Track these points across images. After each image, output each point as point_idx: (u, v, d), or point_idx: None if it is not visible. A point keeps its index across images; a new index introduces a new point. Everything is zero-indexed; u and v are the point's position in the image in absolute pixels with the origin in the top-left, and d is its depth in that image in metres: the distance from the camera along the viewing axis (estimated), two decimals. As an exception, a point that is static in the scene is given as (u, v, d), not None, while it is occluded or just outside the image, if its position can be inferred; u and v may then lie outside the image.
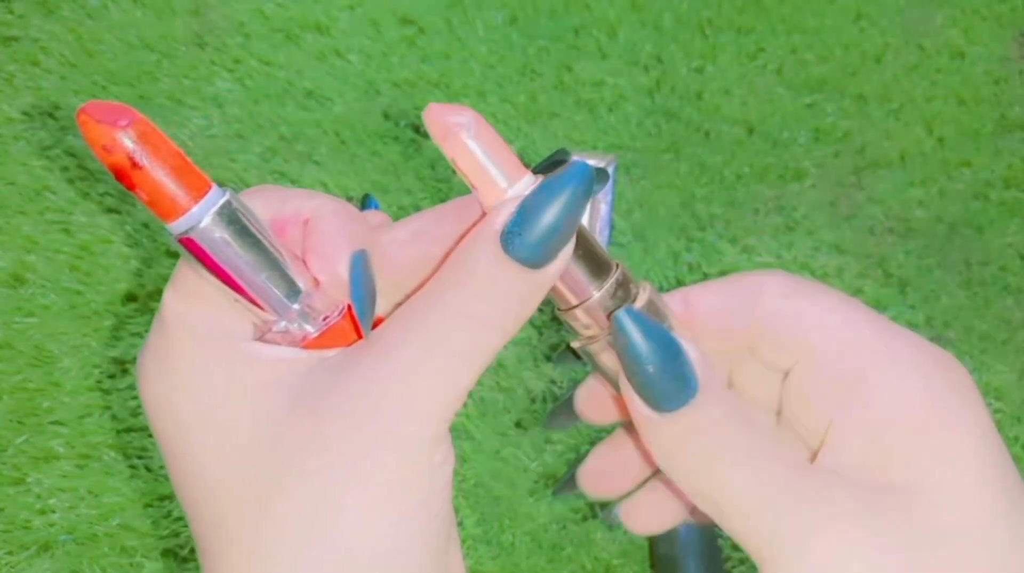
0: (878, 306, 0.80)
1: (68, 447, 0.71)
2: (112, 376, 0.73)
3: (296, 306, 0.24)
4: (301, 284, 0.24)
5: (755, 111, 0.83)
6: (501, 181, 0.23)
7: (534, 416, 0.76)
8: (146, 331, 0.74)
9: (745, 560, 0.75)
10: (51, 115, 0.79)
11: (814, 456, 0.24)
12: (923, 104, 0.84)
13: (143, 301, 0.75)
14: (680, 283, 0.79)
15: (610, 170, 0.79)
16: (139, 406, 0.74)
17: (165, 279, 0.76)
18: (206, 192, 0.22)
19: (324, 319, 0.24)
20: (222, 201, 0.22)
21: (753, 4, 0.86)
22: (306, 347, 0.24)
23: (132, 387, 0.74)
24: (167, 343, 0.24)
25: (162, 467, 0.72)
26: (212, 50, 0.81)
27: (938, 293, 0.80)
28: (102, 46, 0.80)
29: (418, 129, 0.82)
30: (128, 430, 0.72)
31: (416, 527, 0.23)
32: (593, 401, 0.30)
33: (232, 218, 0.22)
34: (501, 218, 0.23)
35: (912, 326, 0.81)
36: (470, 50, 0.83)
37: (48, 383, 0.72)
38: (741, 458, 0.23)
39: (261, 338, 0.24)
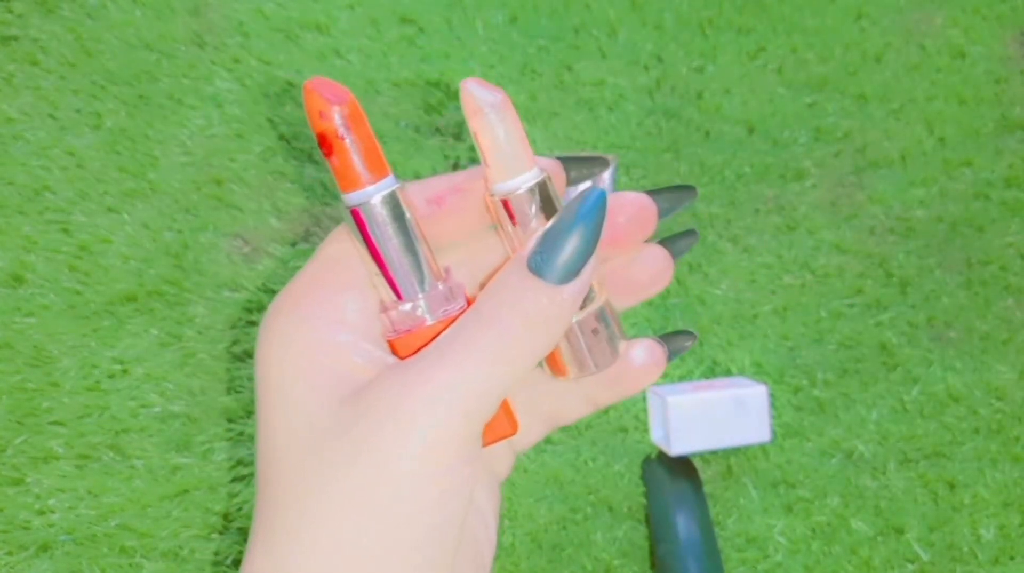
0: (878, 306, 0.80)
1: (67, 447, 0.71)
2: (112, 376, 0.73)
3: (423, 294, 0.27)
4: (433, 276, 0.27)
5: (755, 111, 0.83)
6: (511, 166, 0.27)
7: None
8: (146, 331, 0.74)
9: (746, 561, 0.75)
10: (51, 115, 0.79)
11: None
12: (924, 104, 0.84)
13: (143, 301, 0.75)
14: (680, 283, 0.79)
15: (609, 171, 0.79)
16: (138, 406, 0.74)
17: (165, 279, 0.76)
18: (384, 178, 0.26)
19: (443, 311, 0.27)
20: (392, 188, 0.26)
21: (753, 4, 0.85)
22: (416, 335, 0.27)
23: (131, 387, 0.73)
24: (287, 316, 0.27)
25: (162, 467, 0.72)
26: (212, 50, 0.81)
27: (939, 293, 0.80)
28: (101, 46, 0.80)
29: (418, 129, 0.82)
30: (127, 430, 0.72)
31: (413, 547, 0.25)
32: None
33: (395, 205, 0.26)
34: (529, 246, 0.26)
35: (913, 326, 0.81)
36: (470, 50, 0.83)
37: (47, 383, 0.72)
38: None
39: (384, 314, 0.27)
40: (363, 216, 0.26)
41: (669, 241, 0.31)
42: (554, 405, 0.30)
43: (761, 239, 0.80)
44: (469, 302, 0.28)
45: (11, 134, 0.78)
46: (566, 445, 0.75)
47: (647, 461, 0.76)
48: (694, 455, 0.76)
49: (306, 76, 0.81)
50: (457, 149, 0.81)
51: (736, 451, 0.76)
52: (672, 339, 0.31)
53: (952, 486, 0.76)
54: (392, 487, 0.25)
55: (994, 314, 0.79)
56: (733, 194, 0.81)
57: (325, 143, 0.26)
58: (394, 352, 0.27)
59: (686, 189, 0.31)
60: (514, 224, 0.27)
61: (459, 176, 0.29)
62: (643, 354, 0.29)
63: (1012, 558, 0.75)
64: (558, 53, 0.83)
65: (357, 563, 0.25)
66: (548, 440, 0.75)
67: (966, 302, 0.79)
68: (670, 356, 0.30)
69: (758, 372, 0.78)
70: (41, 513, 0.69)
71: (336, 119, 0.26)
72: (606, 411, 0.77)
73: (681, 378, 0.78)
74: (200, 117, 0.79)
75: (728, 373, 0.78)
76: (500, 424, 0.28)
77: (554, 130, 0.82)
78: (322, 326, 0.27)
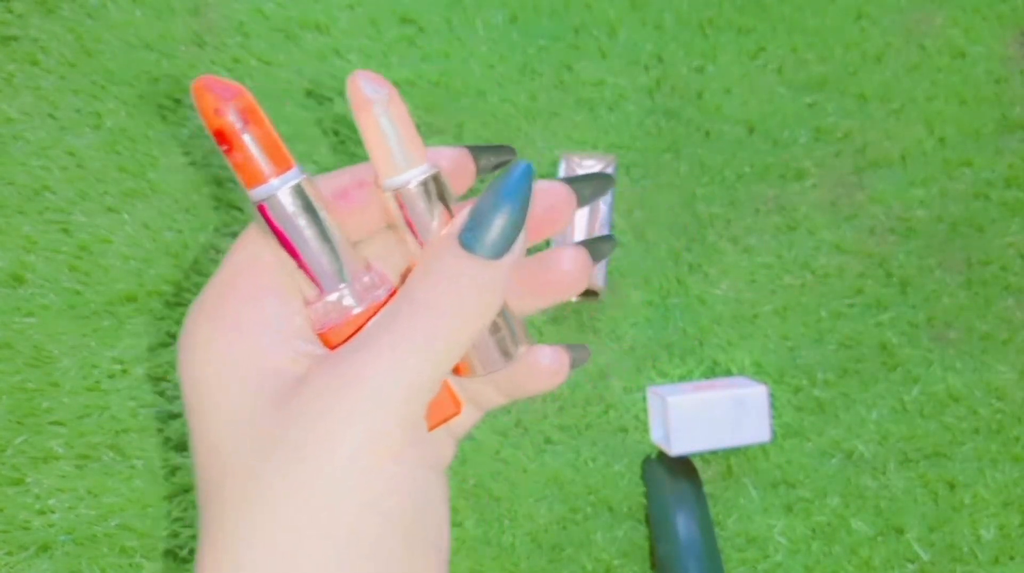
0: (879, 306, 0.80)
1: (67, 447, 0.71)
2: (111, 376, 0.73)
3: (345, 283, 0.26)
4: (354, 265, 0.27)
5: (756, 111, 0.83)
6: (400, 161, 0.26)
7: (534, 416, 0.76)
8: (146, 331, 0.74)
9: (746, 561, 0.75)
10: (51, 115, 0.78)
11: None
12: (924, 104, 0.84)
13: (143, 301, 0.75)
14: (680, 283, 0.79)
15: (610, 170, 0.79)
16: (138, 406, 0.74)
17: (165, 279, 0.76)
18: (288, 170, 0.26)
19: (371, 298, 0.27)
20: (298, 180, 0.26)
21: (754, 4, 0.85)
22: (347, 324, 0.27)
23: (131, 387, 0.73)
24: (204, 321, 0.27)
25: (162, 467, 0.72)
26: (211, 50, 0.81)
27: (939, 293, 0.80)
28: (101, 46, 0.80)
29: (418, 129, 0.82)
30: (127, 430, 0.72)
31: (369, 532, 0.25)
32: None
33: (303, 197, 0.26)
34: (459, 222, 0.26)
35: (913, 326, 0.81)
36: (470, 49, 0.83)
37: (47, 383, 0.72)
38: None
39: (308, 309, 0.27)
40: (271, 211, 0.26)
41: (589, 243, 0.31)
42: (474, 391, 0.30)
43: (761, 239, 0.80)
44: (394, 290, 0.27)
45: (11, 134, 0.78)
46: (566, 445, 0.75)
47: (647, 461, 0.76)
48: (694, 455, 0.76)
49: (307, 76, 0.81)
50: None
51: (736, 451, 0.76)
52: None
53: (952, 486, 0.76)
54: (338, 483, 0.24)
55: (994, 314, 0.79)
56: (733, 194, 0.81)
57: (223, 140, 0.25)
58: (327, 345, 0.27)
59: (603, 178, 0.32)
60: (408, 221, 0.27)
61: (362, 169, 0.28)
62: (550, 357, 0.29)
63: (1012, 558, 0.75)
64: (558, 53, 0.83)
65: (310, 555, 0.24)
66: (548, 440, 0.75)
67: (966, 302, 0.79)
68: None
69: (758, 372, 0.78)
70: (41, 513, 0.69)
71: (231, 114, 0.25)
72: (606, 411, 0.77)
73: (681, 378, 0.78)
74: (199, 117, 0.79)
75: (728, 373, 0.78)
76: (443, 405, 0.28)
77: (554, 130, 0.82)
78: (243, 330, 0.26)
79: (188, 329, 0.27)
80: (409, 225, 0.27)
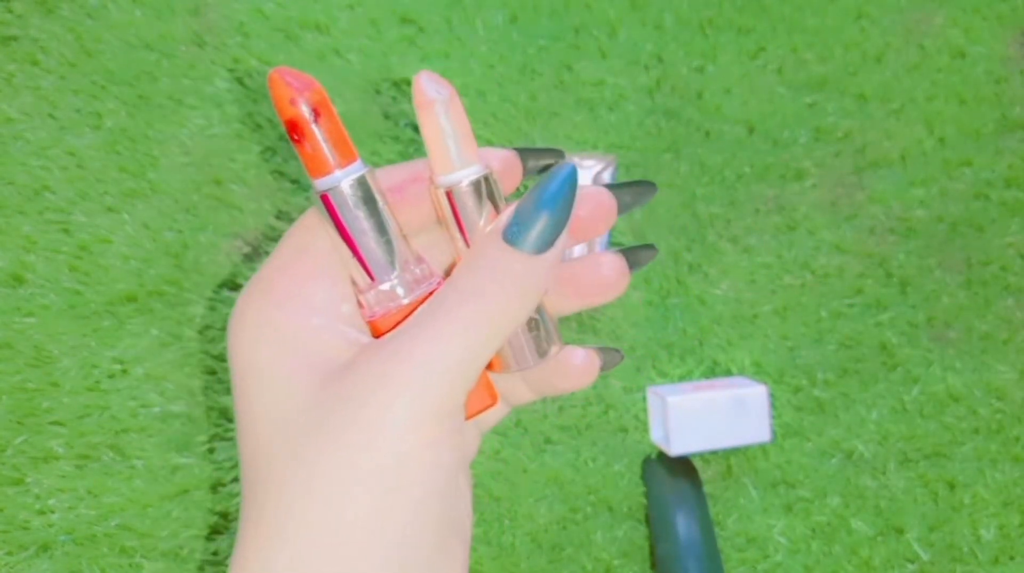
0: (878, 306, 0.80)
1: (67, 447, 0.71)
2: (111, 376, 0.73)
3: (396, 274, 0.27)
4: (406, 256, 0.28)
5: (755, 111, 0.83)
6: (455, 160, 0.27)
7: (534, 416, 0.76)
8: (146, 331, 0.74)
9: (746, 561, 0.75)
10: (51, 115, 0.79)
11: None
12: (924, 104, 0.84)
13: (143, 301, 0.75)
14: (680, 283, 0.79)
15: (610, 170, 0.79)
16: (138, 406, 0.74)
17: (165, 279, 0.76)
18: (352, 163, 0.27)
19: (420, 289, 0.28)
20: (362, 173, 0.27)
21: (754, 4, 0.85)
22: (395, 314, 0.28)
23: (131, 387, 0.73)
24: (260, 302, 0.27)
25: (162, 467, 0.72)
26: (212, 50, 0.81)
27: (939, 293, 0.80)
28: (102, 46, 0.80)
29: (418, 129, 0.82)
30: (127, 430, 0.72)
31: (400, 519, 0.25)
32: None
33: (365, 189, 0.27)
34: (504, 219, 0.27)
35: (913, 325, 0.81)
36: (470, 49, 0.83)
37: (47, 383, 0.72)
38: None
39: (360, 297, 0.28)
40: (333, 201, 0.27)
41: (628, 251, 0.32)
42: (505, 387, 0.31)
43: (761, 239, 0.80)
44: (441, 283, 0.28)
45: (11, 134, 0.78)
46: (566, 445, 0.75)
47: (647, 461, 0.76)
48: (694, 455, 0.76)
49: (306, 76, 0.81)
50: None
51: (736, 451, 0.76)
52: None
53: (952, 486, 0.76)
54: (381, 462, 0.25)
55: (994, 314, 0.79)
56: (733, 194, 0.81)
57: (296, 130, 0.26)
58: (374, 333, 0.28)
59: (646, 185, 0.32)
60: (457, 217, 0.28)
61: (419, 165, 0.29)
62: (582, 357, 0.30)
63: (1012, 558, 0.75)
64: (558, 53, 0.83)
65: (349, 537, 0.25)
66: (548, 440, 0.75)
67: (966, 302, 0.79)
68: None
69: (758, 372, 0.78)
70: (41, 513, 0.69)
71: (304, 106, 0.26)
72: (606, 411, 0.77)
73: (681, 378, 0.78)
74: (200, 117, 0.79)
75: (728, 373, 0.78)
76: (480, 396, 0.29)
77: (554, 130, 0.82)
78: (295, 311, 0.27)
79: (240, 309, 0.28)
80: (458, 222, 0.28)
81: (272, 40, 0.82)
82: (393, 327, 0.27)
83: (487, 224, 0.28)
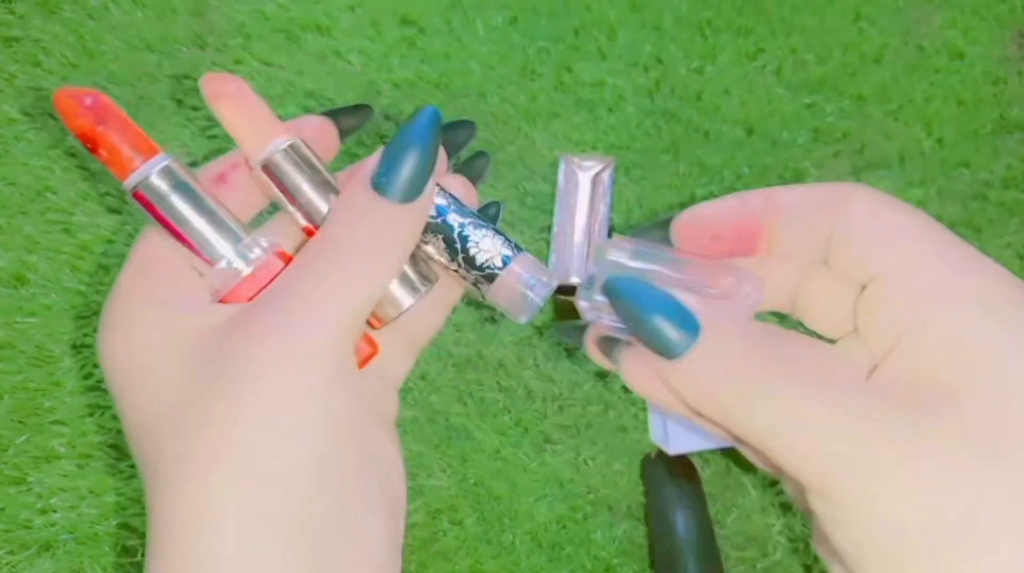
0: (877, 306, 0.80)
1: (69, 447, 0.71)
2: (113, 376, 0.73)
3: (230, 249, 0.28)
4: (235, 231, 0.28)
5: (755, 111, 0.83)
6: (261, 140, 0.28)
7: (534, 416, 0.77)
8: (147, 331, 0.74)
9: (745, 560, 0.75)
10: (52, 115, 0.79)
11: (872, 371, 0.24)
12: (922, 104, 0.84)
13: (144, 301, 0.75)
14: (680, 283, 0.79)
15: (609, 171, 0.79)
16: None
17: (166, 279, 0.76)
18: (153, 155, 0.27)
19: (257, 258, 0.28)
20: (166, 162, 0.27)
21: (752, 5, 0.86)
22: (241, 287, 0.27)
23: (133, 387, 0.74)
24: (120, 308, 0.27)
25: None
26: (213, 51, 0.82)
27: (937, 293, 0.80)
28: (103, 47, 0.81)
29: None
30: (129, 430, 0.73)
31: (309, 453, 0.24)
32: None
33: (173, 177, 0.27)
34: (370, 166, 0.27)
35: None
36: (470, 51, 0.83)
37: (49, 383, 0.72)
38: (766, 384, 0.23)
39: (204, 280, 0.27)
40: (146, 195, 0.27)
41: (464, 167, 0.32)
42: (412, 326, 0.30)
43: (760, 239, 0.80)
44: (279, 247, 0.28)
45: (13, 135, 0.78)
46: (566, 445, 0.76)
47: (647, 460, 0.77)
48: (693, 454, 0.76)
49: (308, 77, 0.81)
50: (457, 150, 0.81)
51: (736, 451, 0.76)
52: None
53: (950, 485, 0.77)
54: (268, 439, 0.24)
55: (992, 314, 0.80)
56: (732, 194, 0.81)
57: (88, 139, 0.27)
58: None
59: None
60: (281, 190, 0.28)
61: (236, 153, 0.29)
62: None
63: (1010, 557, 0.76)
64: (558, 54, 0.84)
65: (251, 536, 0.24)
66: (548, 439, 0.76)
67: (964, 302, 0.80)
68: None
69: (757, 372, 0.78)
70: (43, 512, 0.69)
71: (89, 115, 0.26)
72: (606, 410, 0.77)
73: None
74: (201, 118, 0.79)
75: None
76: (360, 349, 0.29)
77: (554, 131, 0.82)
78: (160, 303, 0.27)
79: (104, 321, 0.27)
80: (285, 193, 0.28)
81: (273, 41, 0.82)
82: (243, 300, 0.27)
83: (313, 188, 0.28)
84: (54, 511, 0.69)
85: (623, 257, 0.27)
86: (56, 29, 0.81)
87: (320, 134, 0.30)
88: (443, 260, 0.29)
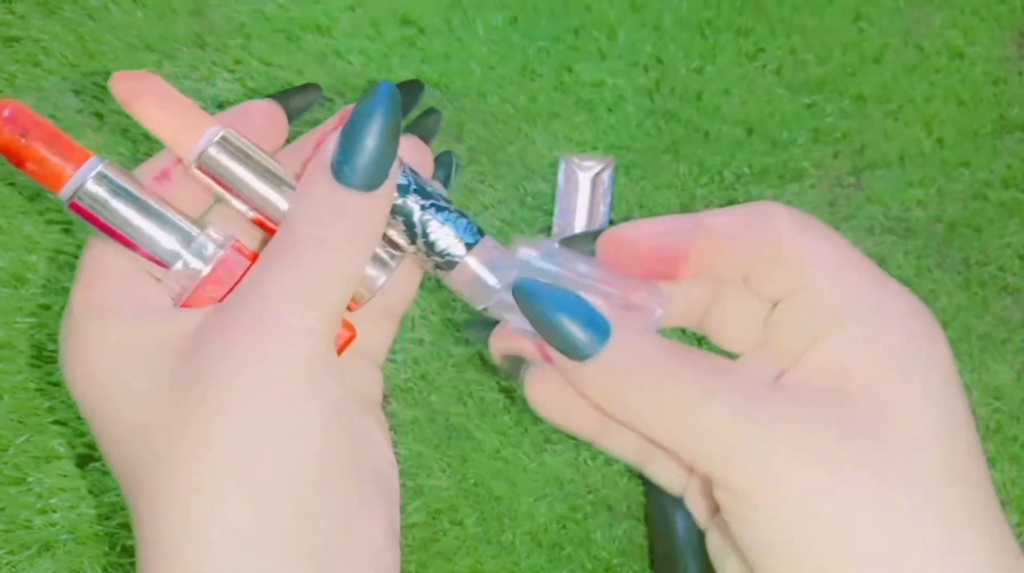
0: (877, 306, 0.80)
1: (69, 447, 0.71)
2: (113, 376, 0.73)
3: (184, 249, 0.26)
4: (186, 229, 0.26)
5: (754, 111, 0.83)
6: (190, 136, 0.26)
7: (534, 416, 0.77)
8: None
9: (745, 559, 0.75)
10: (52, 115, 0.79)
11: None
12: (922, 104, 0.84)
13: (144, 301, 0.75)
14: (680, 283, 0.79)
15: (609, 171, 0.79)
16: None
17: (166, 279, 0.76)
18: (85, 161, 0.25)
19: (216, 255, 0.26)
20: (99, 167, 0.25)
21: (752, 5, 0.86)
22: (203, 287, 0.26)
23: (133, 387, 0.74)
24: (76, 327, 0.26)
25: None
26: (213, 51, 0.82)
27: (937, 293, 0.80)
28: (103, 47, 0.81)
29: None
30: (129, 430, 0.73)
31: (300, 454, 0.24)
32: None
33: (111, 180, 0.25)
34: (329, 152, 0.25)
35: (911, 326, 0.81)
36: (470, 51, 0.83)
37: (49, 383, 0.72)
38: (675, 384, 0.23)
39: (162, 285, 0.26)
40: (84, 205, 0.25)
41: (415, 127, 0.30)
42: (387, 299, 0.30)
43: (760, 239, 0.80)
44: (237, 241, 0.27)
45: (13, 135, 0.78)
46: (566, 444, 0.76)
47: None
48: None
49: (307, 77, 0.81)
50: (458, 149, 0.82)
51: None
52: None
53: (950, 485, 0.77)
54: (251, 441, 0.23)
55: (992, 314, 0.80)
56: (732, 195, 0.81)
57: (12, 155, 0.25)
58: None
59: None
60: (223, 185, 0.26)
61: (169, 153, 0.28)
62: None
63: (1010, 557, 0.76)
64: (558, 54, 0.84)
65: (249, 513, 0.23)
66: (548, 439, 0.76)
67: (964, 302, 0.80)
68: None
69: (757, 372, 0.78)
70: (43, 512, 0.69)
71: (8, 128, 0.24)
72: (606, 411, 0.77)
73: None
74: None
75: (727, 373, 0.78)
76: (339, 335, 0.28)
77: (554, 131, 0.82)
78: (120, 312, 0.25)
79: (63, 344, 0.26)
80: (227, 189, 0.26)
81: (273, 41, 0.82)
82: (208, 301, 0.26)
83: (256, 178, 0.26)
84: (54, 511, 0.69)
85: (533, 256, 0.27)
86: (56, 29, 0.81)
87: (268, 118, 0.29)
88: (403, 242, 0.27)
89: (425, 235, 0.27)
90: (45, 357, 0.73)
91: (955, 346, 0.79)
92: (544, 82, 0.83)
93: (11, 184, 0.77)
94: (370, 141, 0.25)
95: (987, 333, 0.79)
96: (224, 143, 0.26)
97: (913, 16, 0.87)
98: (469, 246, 0.27)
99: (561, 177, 0.79)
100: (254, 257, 0.27)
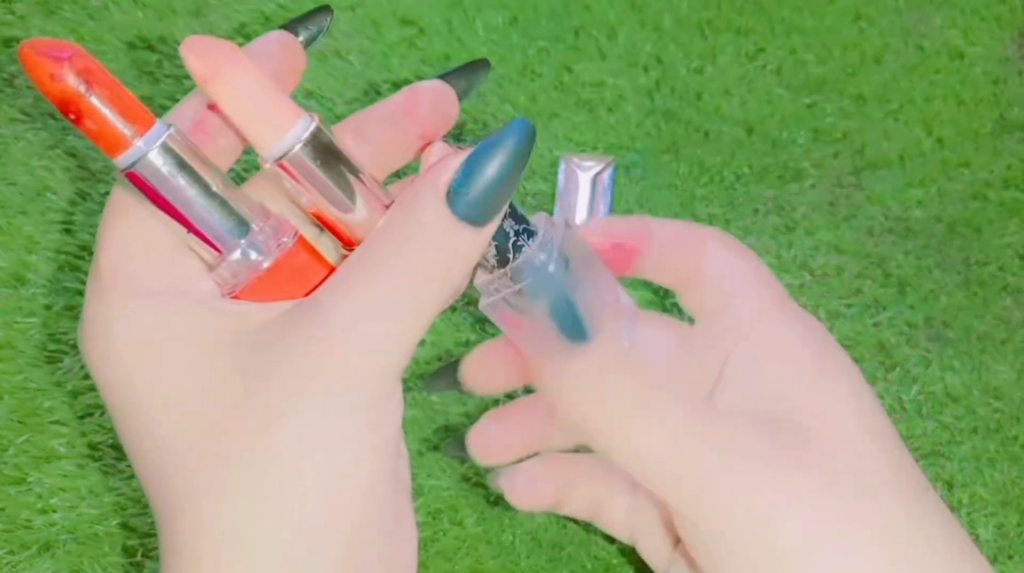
0: (877, 306, 0.80)
1: (69, 447, 0.71)
2: (113, 376, 0.73)
3: (245, 237, 0.23)
4: (249, 214, 0.23)
5: (754, 111, 0.83)
6: (275, 123, 0.22)
7: (534, 416, 0.77)
8: (147, 331, 0.74)
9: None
10: (52, 115, 0.79)
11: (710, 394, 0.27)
12: (922, 104, 0.84)
13: (144, 301, 0.75)
14: (680, 283, 0.79)
15: (608, 171, 0.79)
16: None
17: (166, 279, 0.76)
18: (150, 127, 0.22)
19: (277, 247, 0.23)
20: (164, 136, 0.22)
21: (752, 5, 0.86)
22: (260, 280, 0.23)
23: (133, 387, 0.74)
24: (106, 304, 0.23)
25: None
26: (213, 51, 0.82)
27: (937, 293, 0.80)
28: (103, 47, 0.81)
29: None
30: (129, 430, 0.72)
31: (364, 480, 0.23)
32: (479, 369, 0.31)
33: (174, 153, 0.22)
34: (446, 176, 0.23)
35: (911, 326, 0.81)
36: (470, 51, 0.83)
37: (49, 383, 0.72)
38: (637, 398, 0.24)
39: (214, 273, 0.24)
40: (145, 175, 0.22)
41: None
42: None
43: (760, 239, 0.80)
44: (300, 235, 0.24)
45: (13, 135, 0.78)
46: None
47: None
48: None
49: (308, 77, 0.81)
50: (457, 150, 0.81)
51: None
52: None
53: (950, 485, 0.76)
54: (324, 452, 0.22)
55: (992, 314, 0.80)
56: (732, 194, 0.81)
57: (70, 108, 0.22)
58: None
59: (477, 63, 0.30)
60: (305, 188, 0.24)
61: (199, 96, 0.25)
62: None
63: (1011, 557, 0.75)
64: (558, 54, 0.84)
65: (299, 540, 0.22)
66: (548, 439, 0.76)
67: (964, 302, 0.80)
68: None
69: (757, 372, 0.78)
70: (43, 512, 0.69)
71: (71, 77, 0.21)
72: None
73: (680, 378, 0.79)
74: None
75: (727, 373, 0.78)
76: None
77: (554, 131, 0.82)
78: (153, 299, 0.23)
79: (88, 321, 0.24)
80: (308, 191, 0.24)
81: (273, 41, 0.82)
82: (263, 296, 0.23)
83: (338, 182, 0.23)
84: (54, 511, 0.69)
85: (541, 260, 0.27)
86: (56, 29, 0.81)
87: (288, 55, 0.26)
88: (492, 263, 0.26)
89: (515, 260, 0.26)
90: (45, 357, 0.73)
91: (955, 346, 0.79)
92: (544, 82, 0.83)
93: (11, 184, 0.77)
94: (496, 176, 0.23)
95: (987, 333, 0.79)
96: (314, 140, 0.23)
97: (913, 16, 0.87)
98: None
99: (561, 177, 0.79)
100: (314, 252, 0.25)
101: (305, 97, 0.81)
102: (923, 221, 0.82)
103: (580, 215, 0.78)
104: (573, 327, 0.24)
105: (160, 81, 0.80)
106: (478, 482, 0.77)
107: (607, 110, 0.83)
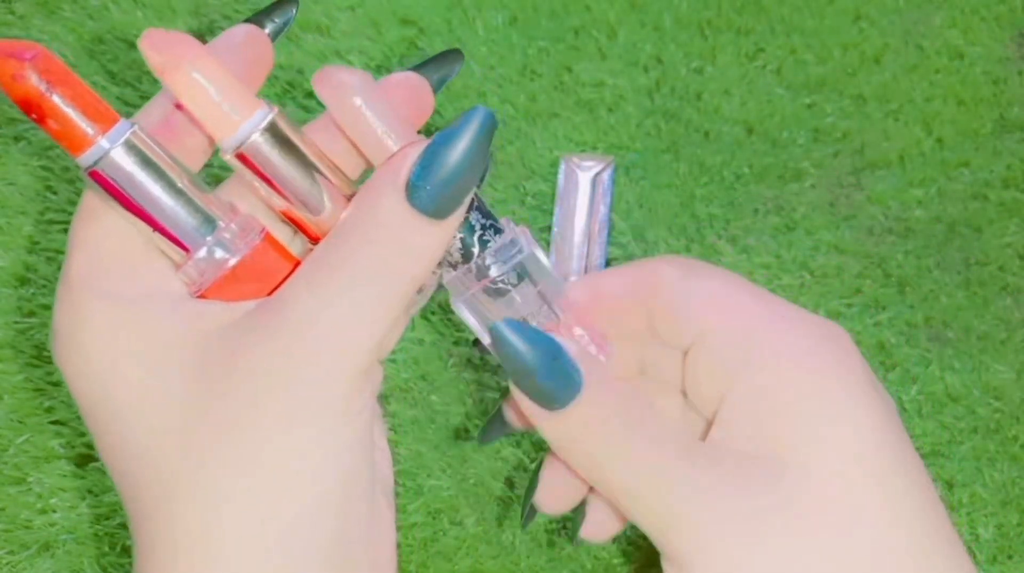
0: (877, 306, 0.80)
1: (68, 447, 0.71)
2: (113, 376, 0.73)
3: (211, 235, 0.23)
4: (216, 212, 0.23)
5: (754, 111, 0.83)
6: (232, 115, 0.22)
7: (534, 416, 0.77)
8: (147, 331, 0.74)
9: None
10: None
11: (707, 432, 0.25)
12: (922, 104, 0.84)
13: (144, 301, 0.75)
14: (680, 283, 0.79)
15: (608, 171, 0.79)
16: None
17: (166, 279, 0.76)
18: (113, 125, 0.22)
19: (245, 245, 0.23)
20: (128, 134, 0.22)
21: (752, 5, 0.86)
22: (227, 279, 0.23)
23: (133, 387, 0.74)
24: (75, 308, 0.23)
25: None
26: (213, 51, 0.82)
27: (937, 293, 0.80)
28: (103, 46, 0.81)
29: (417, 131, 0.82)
30: (129, 430, 0.72)
31: (335, 477, 0.23)
32: (551, 496, 0.31)
33: (138, 151, 0.22)
34: (405, 170, 0.23)
35: (911, 325, 0.81)
36: (470, 51, 0.83)
37: (49, 383, 0.72)
38: (631, 445, 0.24)
39: (179, 271, 0.24)
40: (108, 174, 0.22)
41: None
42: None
43: (760, 239, 0.80)
44: (266, 231, 0.24)
45: (13, 135, 0.78)
46: (566, 444, 0.76)
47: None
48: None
49: (307, 77, 0.81)
50: (457, 150, 0.81)
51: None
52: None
53: (950, 485, 0.76)
54: (294, 450, 0.22)
55: (992, 314, 0.80)
56: (732, 194, 0.81)
57: (32, 108, 0.22)
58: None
59: (451, 53, 0.28)
60: (263, 177, 0.23)
61: (168, 95, 0.25)
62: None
63: (1010, 557, 0.75)
64: (558, 54, 0.84)
65: (277, 543, 0.22)
66: (548, 439, 0.76)
67: (964, 302, 0.80)
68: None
69: (757, 372, 0.78)
70: (43, 512, 0.69)
71: (32, 77, 0.21)
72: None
73: (680, 378, 0.79)
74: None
75: (727, 373, 0.78)
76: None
77: (554, 131, 0.82)
78: (123, 301, 0.23)
79: (58, 326, 0.23)
80: (266, 181, 0.23)
81: (273, 41, 0.82)
82: (231, 295, 0.23)
83: (299, 172, 0.23)
84: (54, 511, 0.69)
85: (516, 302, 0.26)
86: (56, 29, 0.81)
87: (255, 48, 0.25)
88: (456, 259, 0.25)
89: (482, 257, 0.25)
90: (45, 357, 0.73)
91: (955, 346, 0.79)
92: (544, 82, 0.83)
93: (11, 184, 0.77)
94: (456, 168, 0.22)
95: (987, 333, 0.79)
96: (272, 129, 0.23)
97: (913, 16, 0.87)
98: (523, 275, 0.25)
99: (561, 177, 0.79)
100: (281, 249, 0.24)
101: (306, 97, 0.81)
102: (923, 221, 0.82)
103: (580, 215, 0.78)
104: (566, 378, 0.23)
105: (160, 81, 0.80)
106: (478, 483, 0.77)
107: (607, 110, 0.83)
